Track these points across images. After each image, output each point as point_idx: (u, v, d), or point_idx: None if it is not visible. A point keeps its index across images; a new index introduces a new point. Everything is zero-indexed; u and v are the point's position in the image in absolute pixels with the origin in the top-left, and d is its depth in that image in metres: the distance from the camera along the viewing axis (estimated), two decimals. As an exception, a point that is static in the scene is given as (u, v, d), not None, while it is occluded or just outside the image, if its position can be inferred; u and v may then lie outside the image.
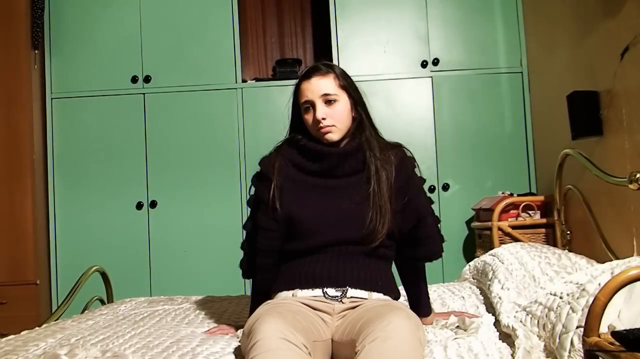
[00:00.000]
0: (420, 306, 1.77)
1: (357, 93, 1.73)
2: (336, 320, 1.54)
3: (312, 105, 1.67)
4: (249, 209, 1.79)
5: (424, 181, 1.76)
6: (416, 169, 1.74)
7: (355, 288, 1.59)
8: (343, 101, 1.69)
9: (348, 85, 1.71)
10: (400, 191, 1.67)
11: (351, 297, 1.59)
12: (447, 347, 1.41)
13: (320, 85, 1.67)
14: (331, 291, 1.58)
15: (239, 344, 1.57)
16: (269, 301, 1.59)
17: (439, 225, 1.75)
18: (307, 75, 1.70)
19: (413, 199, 1.69)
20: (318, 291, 1.59)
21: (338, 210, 1.64)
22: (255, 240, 1.71)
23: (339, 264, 1.62)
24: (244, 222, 1.81)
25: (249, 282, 3.14)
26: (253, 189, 1.76)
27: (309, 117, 1.69)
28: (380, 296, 1.63)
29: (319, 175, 1.69)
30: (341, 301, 1.57)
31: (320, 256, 1.64)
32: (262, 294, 1.69)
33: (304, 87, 1.70)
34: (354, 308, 1.56)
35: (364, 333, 1.32)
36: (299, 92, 1.72)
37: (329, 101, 1.67)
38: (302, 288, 1.61)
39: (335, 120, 1.66)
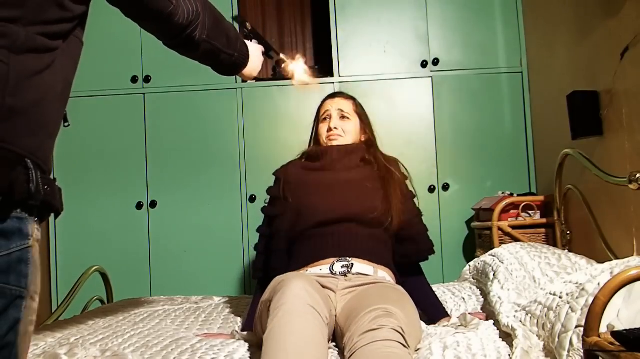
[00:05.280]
0: (434, 308, 1.85)
1: (369, 122, 2.06)
2: (340, 297, 1.62)
3: (329, 116, 2.01)
4: (264, 217, 2.00)
5: (414, 196, 1.99)
6: (408, 182, 1.99)
7: (361, 258, 1.73)
8: (355, 122, 2.02)
9: (362, 113, 2.06)
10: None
11: (357, 273, 1.70)
12: (446, 348, 1.40)
13: (341, 103, 2.03)
14: (337, 268, 1.71)
15: (238, 339, 1.59)
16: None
17: (427, 233, 1.96)
18: (332, 95, 2.10)
19: (406, 202, 1.91)
20: (326, 269, 1.71)
21: (341, 193, 1.85)
22: (268, 243, 1.90)
23: (345, 239, 1.78)
24: (258, 227, 2.00)
25: (248, 282, 3.14)
26: (268, 198, 2.00)
27: (323, 126, 2.02)
28: (385, 275, 1.75)
29: (322, 169, 1.94)
30: (346, 275, 1.69)
31: (328, 233, 1.79)
32: (268, 278, 1.78)
33: (327, 102, 2.05)
34: (356, 287, 1.64)
35: (349, 342, 1.36)
36: (321, 107, 2.06)
37: (343, 117, 2.00)
38: (311, 265, 1.75)
39: (344, 133, 1.98)
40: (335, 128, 1.97)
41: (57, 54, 0.93)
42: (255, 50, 1.52)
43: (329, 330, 1.50)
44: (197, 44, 1.25)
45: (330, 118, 2.00)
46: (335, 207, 1.82)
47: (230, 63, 1.40)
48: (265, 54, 1.64)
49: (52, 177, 0.93)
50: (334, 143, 1.97)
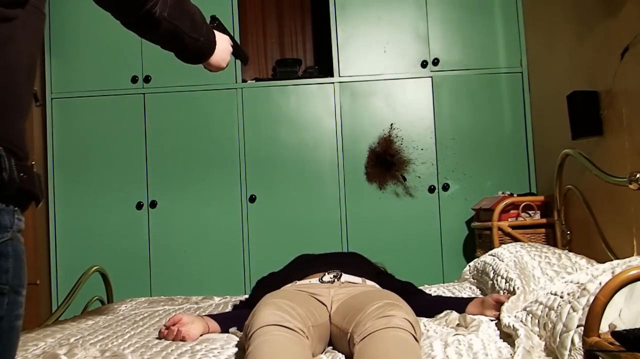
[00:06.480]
0: (459, 300, 1.86)
1: None
2: (334, 297, 1.64)
3: None
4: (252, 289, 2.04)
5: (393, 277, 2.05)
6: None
7: (348, 273, 1.79)
8: None
9: None
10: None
11: (345, 282, 1.75)
12: (447, 345, 1.40)
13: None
14: (327, 278, 1.76)
15: (239, 339, 1.59)
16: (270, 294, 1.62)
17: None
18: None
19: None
20: (315, 281, 1.75)
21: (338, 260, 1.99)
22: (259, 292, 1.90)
23: (333, 261, 1.90)
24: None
25: (248, 282, 3.14)
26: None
27: None
28: (374, 284, 1.79)
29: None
30: (334, 282, 1.73)
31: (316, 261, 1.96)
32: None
33: None
34: (349, 290, 1.68)
35: (359, 327, 1.36)
36: None
37: None
38: (300, 280, 1.81)
39: None
40: None
41: (17, 25, 0.84)
42: (222, 39, 1.43)
43: (320, 335, 1.50)
44: (157, 22, 1.17)
45: None
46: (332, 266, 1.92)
47: (195, 48, 1.32)
48: (233, 50, 1.51)
49: (29, 163, 0.86)
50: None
